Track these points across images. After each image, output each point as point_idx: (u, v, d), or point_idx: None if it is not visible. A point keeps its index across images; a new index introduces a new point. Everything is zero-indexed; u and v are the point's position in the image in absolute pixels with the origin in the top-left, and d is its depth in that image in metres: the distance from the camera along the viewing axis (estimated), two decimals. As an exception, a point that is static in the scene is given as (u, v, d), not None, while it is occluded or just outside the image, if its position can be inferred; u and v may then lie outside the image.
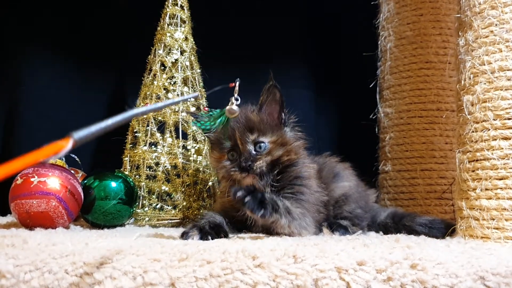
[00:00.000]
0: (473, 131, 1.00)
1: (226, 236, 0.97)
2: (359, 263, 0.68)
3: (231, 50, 1.85)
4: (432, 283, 0.67)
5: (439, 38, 1.55)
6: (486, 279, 0.68)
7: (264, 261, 0.67)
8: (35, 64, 1.81)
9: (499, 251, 0.82)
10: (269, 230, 1.00)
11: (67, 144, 0.48)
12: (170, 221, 1.33)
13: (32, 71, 1.79)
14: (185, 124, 1.41)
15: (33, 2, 1.81)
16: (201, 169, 1.39)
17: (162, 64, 1.43)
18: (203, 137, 1.41)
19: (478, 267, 0.69)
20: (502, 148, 0.95)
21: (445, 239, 1.05)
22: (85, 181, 1.20)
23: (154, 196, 1.36)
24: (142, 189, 1.34)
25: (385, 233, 1.20)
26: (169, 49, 1.44)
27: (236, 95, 0.99)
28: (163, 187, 1.34)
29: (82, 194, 1.13)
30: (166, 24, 1.45)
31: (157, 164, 1.36)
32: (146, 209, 1.34)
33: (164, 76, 1.41)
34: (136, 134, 1.40)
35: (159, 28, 1.47)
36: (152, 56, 1.46)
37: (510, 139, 0.95)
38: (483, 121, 0.98)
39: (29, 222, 1.04)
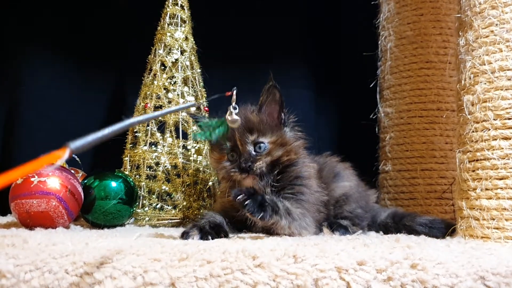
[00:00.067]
0: (473, 131, 1.00)
1: (226, 236, 0.97)
2: (359, 263, 0.68)
3: (231, 50, 1.85)
4: (432, 283, 0.67)
5: (439, 38, 1.55)
6: (486, 279, 0.68)
7: (264, 261, 0.67)
8: (35, 64, 1.81)
9: (499, 251, 0.82)
10: (269, 230, 1.00)
11: (64, 154, 0.48)
12: (170, 221, 1.33)
13: (32, 71, 1.79)
14: (185, 124, 1.41)
15: (33, 2, 1.81)
16: (201, 169, 1.39)
17: (162, 64, 1.43)
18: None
19: (478, 267, 0.69)
20: (502, 148, 0.95)
21: (445, 239, 1.05)
22: (85, 181, 1.20)
23: (154, 196, 1.36)
24: (142, 189, 1.34)
25: (385, 233, 1.20)
26: (169, 49, 1.43)
27: (234, 103, 0.99)
28: (163, 187, 1.34)
29: (82, 194, 1.13)
30: (167, 24, 1.45)
31: (157, 164, 1.36)
32: (146, 209, 1.34)
33: (164, 76, 1.41)
34: (136, 134, 1.40)
35: (159, 28, 1.47)
36: (152, 56, 1.46)
37: (510, 139, 0.95)
38: (483, 121, 0.98)
39: (29, 222, 1.04)
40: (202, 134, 1.02)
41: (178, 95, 1.40)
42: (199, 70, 1.48)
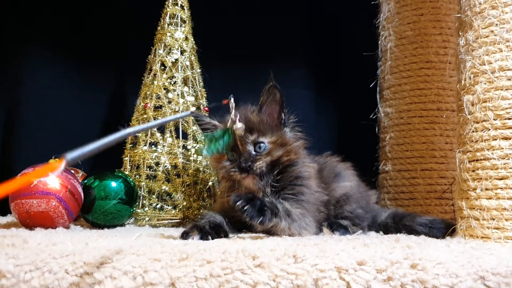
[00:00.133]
0: (473, 131, 1.00)
1: (226, 236, 0.97)
2: (359, 263, 0.68)
3: (231, 50, 1.85)
4: (433, 283, 0.67)
5: (439, 38, 1.55)
6: (486, 279, 0.68)
7: (264, 261, 0.67)
8: (35, 64, 1.81)
9: (499, 251, 0.82)
10: (270, 231, 1.00)
11: (61, 165, 0.49)
12: (170, 221, 1.33)
13: (32, 71, 1.79)
14: (185, 124, 1.41)
15: (33, 2, 1.81)
16: (201, 169, 1.39)
17: (162, 64, 1.43)
18: (203, 137, 1.41)
19: (478, 267, 0.69)
20: (502, 148, 0.95)
21: (445, 239, 1.05)
22: (85, 181, 1.20)
23: (154, 196, 1.36)
24: (142, 189, 1.34)
25: (385, 233, 1.20)
26: (169, 49, 1.43)
27: (233, 111, 1.00)
28: (163, 187, 1.34)
29: (82, 194, 1.13)
30: (167, 24, 1.45)
31: (157, 164, 1.35)
32: (146, 209, 1.34)
33: (164, 76, 1.41)
34: (136, 134, 1.40)
35: (159, 28, 1.47)
36: (152, 56, 1.46)
37: (510, 139, 0.95)
38: (483, 121, 0.98)
39: (29, 222, 1.04)
40: (208, 148, 1.02)
41: (178, 95, 1.40)
42: (199, 70, 1.48)
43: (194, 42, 1.49)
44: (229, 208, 1.07)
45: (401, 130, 1.59)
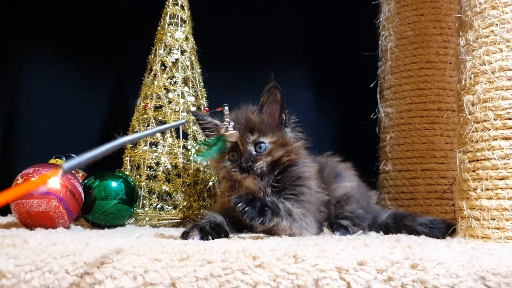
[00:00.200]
0: (473, 131, 1.00)
1: (226, 236, 0.97)
2: (359, 263, 0.68)
3: (231, 50, 1.85)
4: (433, 283, 0.67)
5: (439, 38, 1.55)
6: (486, 279, 0.68)
7: (264, 261, 0.67)
8: (35, 64, 1.81)
9: (499, 251, 0.82)
10: (270, 231, 1.00)
11: (57, 175, 0.50)
12: (171, 221, 1.33)
13: (32, 71, 1.79)
14: (186, 124, 1.41)
15: (33, 2, 1.81)
16: (201, 169, 1.39)
17: (163, 64, 1.43)
18: (203, 137, 1.41)
19: (478, 267, 0.69)
20: (503, 148, 0.95)
21: (445, 239, 1.05)
22: (86, 181, 1.20)
23: (154, 196, 1.36)
24: (142, 189, 1.34)
25: (386, 233, 1.20)
26: (170, 49, 1.43)
27: (227, 119, 1.02)
28: (164, 187, 1.34)
29: (82, 194, 1.13)
30: (167, 24, 1.45)
31: (157, 164, 1.35)
32: (147, 209, 1.34)
33: (165, 76, 1.41)
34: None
35: (159, 28, 1.47)
36: (152, 56, 1.46)
37: (510, 139, 0.95)
38: (484, 121, 0.98)
39: (30, 222, 1.04)
40: (202, 154, 1.04)
41: (178, 95, 1.40)
42: (199, 70, 1.48)
43: (194, 42, 1.49)
44: (230, 208, 1.07)
45: (402, 130, 1.59)
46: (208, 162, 1.39)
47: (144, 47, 1.50)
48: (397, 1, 1.63)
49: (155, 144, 1.38)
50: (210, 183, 1.41)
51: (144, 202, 1.34)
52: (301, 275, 0.66)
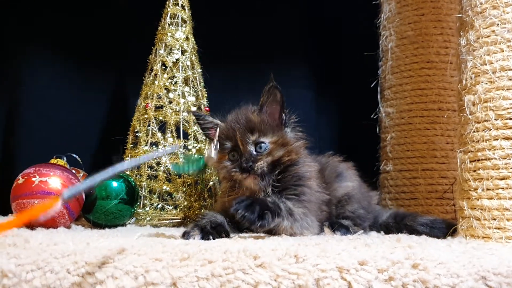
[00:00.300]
0: (474, 131, 1.00)
1: (227, 235, 0.97)
2: (360, 263, 0.68)
3: (231, 50, 1.85)
4: (434, 283, 0.67)
5: (440, 38, 1.55)
6: (487, 279, 0.68)
7: (265, 261, 0.67)
8: (35, 64, 1.81)
9: (500, 251, 0.82)
10: (271, 231, 1.00)
11: (57, 203, 0.51)
12: (171, 221, 1.33)
13: (32, 71, 1.79)
14: (186, 124, 1.41)
15: (33, 2, 1.81)
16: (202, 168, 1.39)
17: (163, 64, 1.43)
18: (204, 137, 1.41)
19: (479, 267, 0.69)
20: (504, 148, 0.95)
21: (446, 239, 1.05)
22: (86, 181, 1.20)
23: (155, 196, 1.36)
24: (143, 188, 1.34)
25: (387, 233, 1.19)
26: (170, 49, 1.44)
27: (215, 140, 1.04)
28: (164, 187, 1.34)
29: (83, 193, 1.13)
30: (167, 24, 1.45)
31: (158, 164, 1.36)
32: (147, 208, 1.34)
33: (165, 75, 1.41)
34: (137, 134, 1.40)
35: (160, 28, 1.47)
36: (153, 56, 1.46)
37: (511, 139, 0.95)
38: (485, 121, 0.98)
39: (31, 221, 1.04)
40: (179, 167, 1.12)
41: (179, 95, 1.40)
42: (200, 70, 1.48)
43: (195, 42, 1.49)
44: (230, 208, 1.07)
45: (402, 130, 1.59)
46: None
47: (144, 47, 1.50)
48: (397, 1, 1.63)
49: (156, 144, 1.38)
50: (211, 183, 1.41)
51: (145, 202, 1.34)
52: (302, 275, 0.66)
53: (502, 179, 0.95)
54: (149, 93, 1.41)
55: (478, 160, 0.99)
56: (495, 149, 0.96)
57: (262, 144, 1.07)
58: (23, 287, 0.62)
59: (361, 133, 1.70)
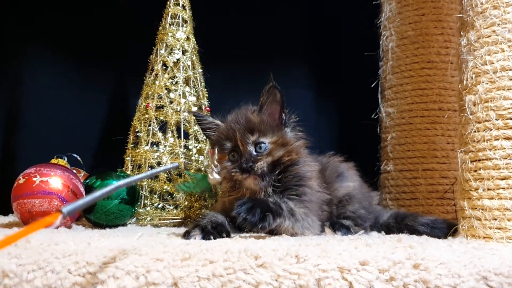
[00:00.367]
0: (475, 131, 1.00)
1: (228, 235, 0.97)
2: (361, 263, 0.68)
3: (232, 50, 1.85)
4: (435, 283, 0.67)
5: (441, 38, 1.56)
6: (488, 279, 0.68)
7: (266, 261, 0.67)
8: (35, 64, 1.81)
9: (501, 251, 0.82)
10: (272, 231, 1.00)
11: (57, 219, 0.52)
12: (172, 221, 1.33)
13: (32, 71, 1.80)
14: (187, 124, 1.41)
15: (33, 2, 1.81)
16: (202, 168, 1.39)
17: (164, 64, 1.43)
18: (204, 137, 1.41)
19: (480, 267, 0.69)
20: (504, 148, 0.95)
21: (447, 239, 1.05)
22: (87, 181, 1.20)
23: (156, 196, 1.36)
24: (144, 188, 1.34)
25: (387, 233, 1.19)
26: (171, 49, 1.44)
27: (215, 162, 1.05)
28: (165, 187, 1.34)
29: (84, 193, 1.13)
30: (168, 24, 1.45)
31: (159, 163, 1.35)
32: (148, 208, 1.34)
33: (166, 75, 1.41)
34: (138, 134, 1.40)
35: (160, 28, 1.47)
36: (153, 56, 1.46)
37: (512, 139, 0.95)
38: (485, 121, 0.98)
39: (31, 221, 1.03)
40: (184, 187, 1.15)
41: (179, 95, 1.40)
42: (200, 70, 1.48)
43: (195, 42, 1.49)
44: (230, 208, 1.07)
45: (403, 130, 1.59)
46: (210, 162, 1.39)
47: (144, 47, 1.50)
48: (398, 1, 1.63)
49: (157, 144, 1.38)
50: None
51: (146, 201, 1.34)
52: (303, 275, 0.66)
53: (503, 179, 0.95)
54: (150, 93, 1.41)
55: (479, 160, 0.99)
56: (496, 149, 0.96)
57: (262, 144, 1.07)
58: (24, 287, 0.62)
59: (361, 133, 1.70)
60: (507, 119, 0.95)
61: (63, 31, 1.83)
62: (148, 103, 1.39)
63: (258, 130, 1.07)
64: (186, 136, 1.41)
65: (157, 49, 1.45)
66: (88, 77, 1.86)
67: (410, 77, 1.58)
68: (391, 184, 1.61)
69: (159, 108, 1.40)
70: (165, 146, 1.36)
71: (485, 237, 0.96)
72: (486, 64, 0.99)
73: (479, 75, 1.00)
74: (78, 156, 1.37)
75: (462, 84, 1.05)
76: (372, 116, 1.69)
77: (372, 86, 1.69)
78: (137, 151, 1.37)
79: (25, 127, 1.77)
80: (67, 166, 1.18)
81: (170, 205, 1.36)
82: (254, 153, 1.06)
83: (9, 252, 0.66)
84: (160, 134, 1.38)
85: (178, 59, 1.43)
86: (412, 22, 1.59)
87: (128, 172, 1.35)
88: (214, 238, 0.92)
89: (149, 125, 1.38)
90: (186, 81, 1.44)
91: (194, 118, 1.33)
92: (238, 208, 0.92)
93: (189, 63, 1.44)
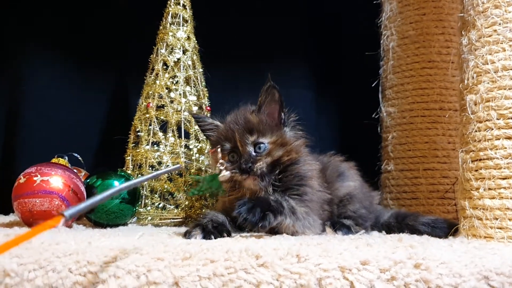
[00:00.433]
0: (476, 131, 1.00)
1: (229, 235, 0.97)
2: (362, 263, 0.68)
3: (232, 50, 1.85)
4: (436, 282, 0.67)
5: (442, 38, 1.55)
6: (490, 279, 0.68)
7: (267, 260, 0.67)
8: (35, 64, 1.81)
9: (502, 250, 0.82)
10: (273, 230, 1.00)
11: (59, 223, 0.53)
12: (173, 220, 1.33)
13: (32, 71, 1.80)
14: (188, 124, 1.41)
15: (33, 2, 1.81)
16: (203, 168, 1.39)
17: (165, 63, 1.43)
18: (204, 137, 1.41)
19: (481, 267, 0.69)
20: (506, 148, 0.95)
21: (448, 239, 1.04)
22: (88, 180, 1.20)
23: (156, 195, 1.36)
24: (144, 188, 1.34)
25: (388, 232, 1.19)
26: (172, 48, 1.44)
27: (221, 160, 1.05)
28: (166, 186, 1.34)
29: (85, 193, 1.13)
30: (169, 23, 1.45)
31: (159, 163, 1.35)
32: (149, 208, 1.34)
33: (167, 75, 1.41)
34: (138, 134, 1.40)
35: (161, 27, 1.47)
36: (154, 55, 1.46)
37: (513, 138, 0.95)
38: (486, 120, 0.98)
39: (32, 220, 1.04)
40: (196, 191, 1.13)
41: (180, 94, 1.40)
42: (201, 70, 1.48)
43: (196, 41, 1.49)
44: (231, 207, 1.07)
45: (404, 130, 1.59)
46: (210, 162, 1.39)
47: (144, 47, 1.50)
48: (399, 1, 1.63)
49: (157, 143, 1.38)
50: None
51: (146, 201, 1.34)
52: (304, 274, 0.66)
53: (504, 178, 0.95)
54: (150, 92, 1.41)
55: (480, 159, 0.99)
56: (497, 149, 0.96)
57: (261, 145, 1.06)
58: (25, 286, 0.62)
59: (362, 133, 1.70)
60: (508, 118, 0.95)
61: (63, 31, 1.83)
62: (149, 103, 1.39)
63: (257, 130, 1.07)
64: (187, 135, 1.40)
65: (157, 48, 1.45)
66: (88, 77, 1.86)
67: (411, 77, 1.58)
68: (392, 184, 1.61)
69: (159, 107, 1.40)
70: (165, 145, 1.36)
71: (486, 236, 0.96)
72: (487, 64, 0.99)
73: (480, 75, 1.00)
74: (78, 156, 1.37)
75: (463, 83, 1.05)
76: (373, 116, 1.69)
77: (373, 85, 1.69)
78: (138, 150, 1.37)
79: (25, 127, 1.77)
80: (67, 166, 1.18)
81: (170, 205, 1.36)
82: (253, 153, 1.06)
83: (10, 251, 0.65)
84: (160, 134, 1.37)
85: (178, 59, 1.43)
86: (413, 21, 1.59)
87: (129, 172, 1.35)
88: (215, 238, 0.92)
89: (150, 125, 1.38)
90: (187, 81, 1.44)
91: (194, 119, 1.33)
92: (239, 208, 0.92)
93: (190, 62, 1.44)
